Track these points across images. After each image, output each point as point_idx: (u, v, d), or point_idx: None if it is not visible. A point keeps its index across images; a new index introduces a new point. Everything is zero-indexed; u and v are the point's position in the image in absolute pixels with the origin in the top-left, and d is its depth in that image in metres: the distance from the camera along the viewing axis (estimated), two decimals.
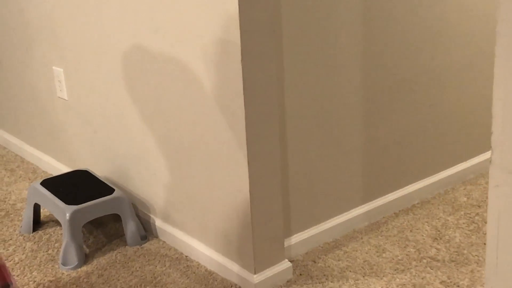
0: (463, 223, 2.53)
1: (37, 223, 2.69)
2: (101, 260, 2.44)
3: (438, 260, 2.31)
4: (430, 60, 2.59)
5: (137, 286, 2.27)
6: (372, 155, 2.51)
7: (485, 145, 2.94)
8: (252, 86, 1.99)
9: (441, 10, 2.56)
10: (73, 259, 2.39)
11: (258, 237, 2.15)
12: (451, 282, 2.18)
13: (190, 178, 2.32)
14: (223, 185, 2.18)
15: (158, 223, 2.55)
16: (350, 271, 2.28)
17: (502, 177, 1.24)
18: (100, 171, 2.79)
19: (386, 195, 2.62)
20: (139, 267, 2.38)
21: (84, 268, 2.40)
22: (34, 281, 2.32)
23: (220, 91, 2.07)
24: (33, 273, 2.37)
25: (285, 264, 2.25)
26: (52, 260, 2.45)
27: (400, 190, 2.66)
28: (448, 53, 2.64)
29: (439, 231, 2.49)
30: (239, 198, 2.12)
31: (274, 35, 1.99)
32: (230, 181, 2.14)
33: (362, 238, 2.47)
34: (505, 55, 1.09)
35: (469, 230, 2.48)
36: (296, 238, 2.37)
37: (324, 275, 2.26)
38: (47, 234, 2.63)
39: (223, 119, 2.08)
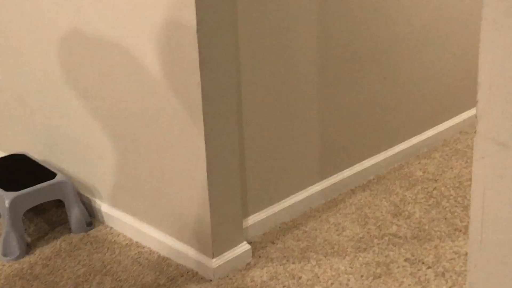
0: (422, 198, 2.47)
1: None
2: (44, 249, 2.28)
3: (400, 237, 2.24)
4: (382, 33, 2.51)
5: (86, 276, 2.12)
6: (327, 131, 2.42)
7: (438, 119, 2.90)
8: (208, 61, 1.86)
9: None
10: (15, 249, 2.22)
11: (216, 218, 2.03)
12: (415, 259, 2.12)
13: (139, 159, 2.18)
14: (177, 165, 2.05)
15: (104, 208, 2.40)
16: (311, 251, 2.19)
17: (488, 148, 1.19)
18: (38, 154, 2.61)
19: (342, 172, 2.54)
20: (87, 256, 2.23)
21: (27, 258, 2.23)
22: None
23: (173, 68, 1.93)
24: None
25: (244, 246, 2.14)
26: None
27: (355, 166, 2.58)
28: (403, 25, 2.57)
29: (398, 206, 2.42)
30: (196, 178, 2.00)
31: (229, 8, 1.87)
32: (185, 161, 2.01)
33: (320, 216, 2.38)
34: (492, 16, 1.02)
35: (428, 205, 2.42)
36: (253, 219, 2.26)
37: (285, 256, 2.17)
38: None
39: (178, 96, 1.95)
